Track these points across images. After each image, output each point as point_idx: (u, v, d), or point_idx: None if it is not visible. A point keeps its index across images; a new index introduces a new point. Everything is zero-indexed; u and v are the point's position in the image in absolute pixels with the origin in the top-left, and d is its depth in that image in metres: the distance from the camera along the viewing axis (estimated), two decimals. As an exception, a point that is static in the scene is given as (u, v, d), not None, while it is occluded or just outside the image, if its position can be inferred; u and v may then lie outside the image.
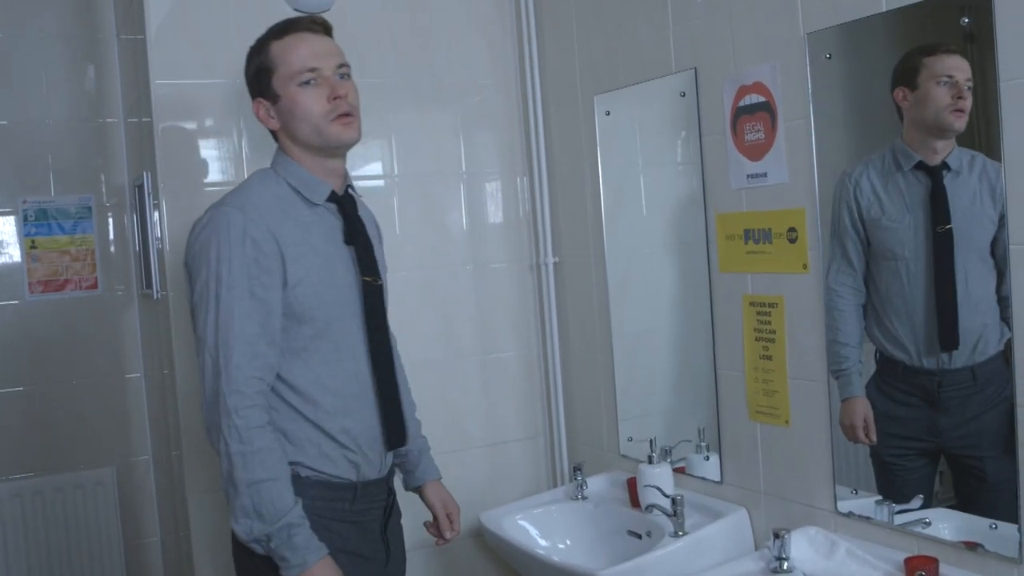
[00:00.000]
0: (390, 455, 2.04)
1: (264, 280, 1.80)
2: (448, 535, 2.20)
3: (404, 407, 2.04)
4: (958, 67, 1.78)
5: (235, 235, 1.79)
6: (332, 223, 1.95)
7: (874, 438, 2.01)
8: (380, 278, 1.99)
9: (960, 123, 1.80)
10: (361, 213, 2.03)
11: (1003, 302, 1.74)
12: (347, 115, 1.89)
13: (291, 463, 1.85)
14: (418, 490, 2.21)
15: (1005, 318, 1.74)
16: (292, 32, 1.91)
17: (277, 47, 1.90)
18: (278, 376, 1.85)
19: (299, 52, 1.88)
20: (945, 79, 1.80)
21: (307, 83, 1.88)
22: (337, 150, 1.93)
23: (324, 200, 1.93)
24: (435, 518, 2.21)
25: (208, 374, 1.79)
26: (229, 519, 1.79)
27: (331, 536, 1.87)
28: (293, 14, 2.08)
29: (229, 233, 1.79)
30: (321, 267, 1.88)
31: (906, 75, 1.87)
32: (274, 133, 1.97)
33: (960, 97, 1.78)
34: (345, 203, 1.97)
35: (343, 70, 1.92)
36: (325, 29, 1.95)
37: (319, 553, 1.78)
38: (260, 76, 1.92)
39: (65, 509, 3.28)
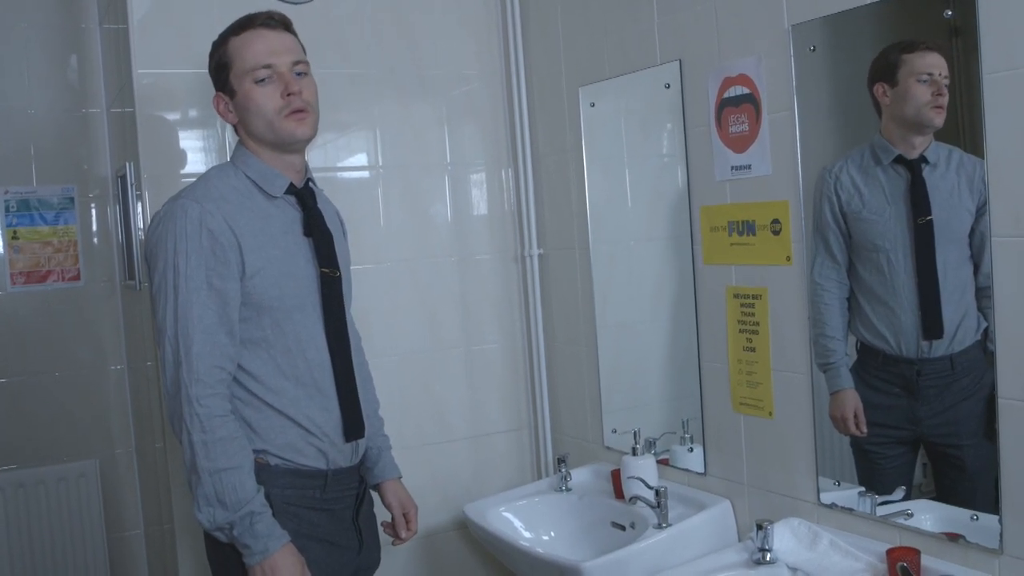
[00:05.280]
0: (362, 443, 2.04)
1: (221, 271, 1.81)
2: (404, 535, 2.20)
3: (362, 401, 2.03)
4: (937, 64, 1.80)
5: (191, 226, 1.80)
6: (292, 215, 1.95)
7: (865, 429, 2.02)
8: (338, 270, 1.99)
9: (939, 119, 1.81)
10: (322, 206, 2.04)
11: (980, 292, 1.76)
12: (301, 111, 1.90)
13: (259, 451, 1.86)
14: (376, 488, 2.20)
15: (981, 308, 1.76)
16: (249, 28, 1.91)
17: (235, 43, 1.91)
18: (241, 367, 1.86)
19: (255, 48, 1.89)
20: (925, 76, 1.81)
21: (262, 80, 1.89)
22: (291, 146, 1.93)
23: (283, 193, 1.94)
24: (392, 517, 2.20)
25: (169, 364, 1.81)
26: (192, 508, 1.80)
27: (302, 524, 1.88)
28: (276, 4, 2.07)
29: (185, 224, 1.80)
30: (280, 258, 1.89)
31: (885, 71, 1.88)
32: (234, 127, 1.98)
33: (939, 94, 1.79)
34: (305, 195, 1.98)
35: (300, 67, 1.93)
36: (284, 25, 1.95)
37: (281, 540, 1.79)
38: (219, 71, 1.94)
39: (48, 502, 3.26)
